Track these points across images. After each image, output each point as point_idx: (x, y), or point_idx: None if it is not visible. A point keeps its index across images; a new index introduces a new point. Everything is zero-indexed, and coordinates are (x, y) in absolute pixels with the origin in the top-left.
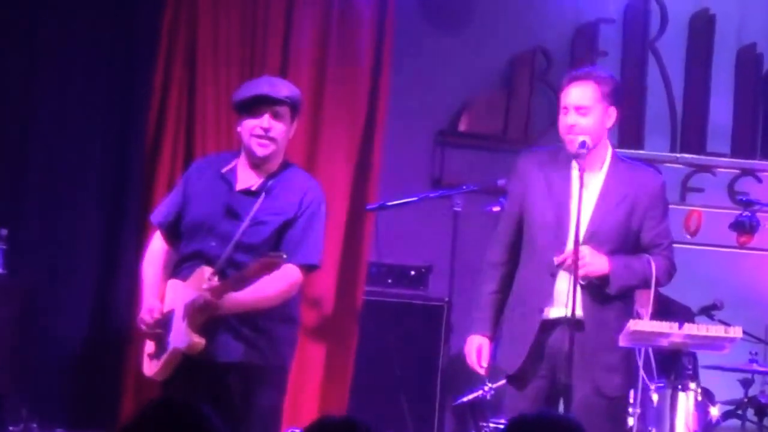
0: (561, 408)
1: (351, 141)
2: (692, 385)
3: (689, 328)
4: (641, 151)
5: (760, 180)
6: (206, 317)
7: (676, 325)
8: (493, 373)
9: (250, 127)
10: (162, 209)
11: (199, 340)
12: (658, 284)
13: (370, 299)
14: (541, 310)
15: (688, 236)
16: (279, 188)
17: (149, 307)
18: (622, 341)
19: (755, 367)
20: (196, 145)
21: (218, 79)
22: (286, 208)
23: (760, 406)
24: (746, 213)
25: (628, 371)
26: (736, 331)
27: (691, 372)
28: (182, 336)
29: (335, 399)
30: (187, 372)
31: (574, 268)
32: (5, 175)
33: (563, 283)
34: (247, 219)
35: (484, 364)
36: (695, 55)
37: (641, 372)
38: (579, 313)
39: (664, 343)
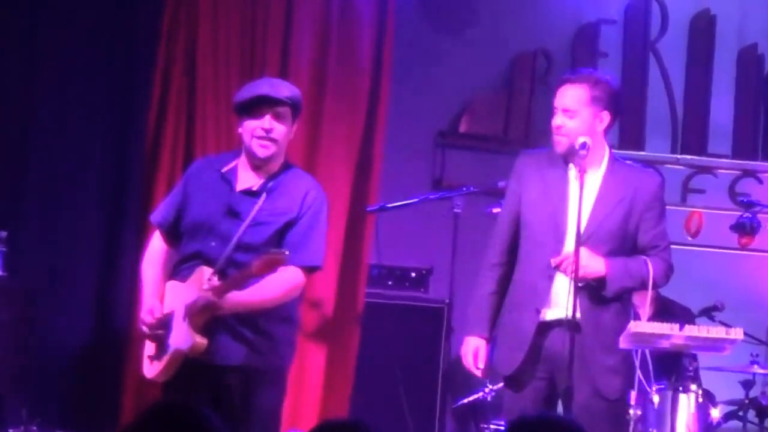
0: (560, 410)
1: (351, 142)
2: (693, 387)
3: (690, 330)
4: (642, 152)
5: (761, 181)
6: (208, 317)
7: (676, 326)
8: (492, 374)
9: (251, 128)
10: (162, 209)
11: (202, 341)
12: (655, 286)
13: (371, 301)
14: (538, 312)
15: (689, 237)
16: (280, 189)
17: (149, 308)
18: (623, 343)
19: (756, 368)
20: (196, 145)
21: (218, 79)
22: (288, 209)
23: (761, 407)
24: (747, 214)
25: (628, 373)
26: (737, 333)
27: (692, 373)
28: (184, 337)
29: (336, 401)
30: (187, 373)
31: (573, 270)
32: (5, 176)
33: (560, 284)
34: (247, 219)
35: (481, 365)
36: (696, 55)
37: (638, 373)
38: (576, 314)
39: (664, 344)
